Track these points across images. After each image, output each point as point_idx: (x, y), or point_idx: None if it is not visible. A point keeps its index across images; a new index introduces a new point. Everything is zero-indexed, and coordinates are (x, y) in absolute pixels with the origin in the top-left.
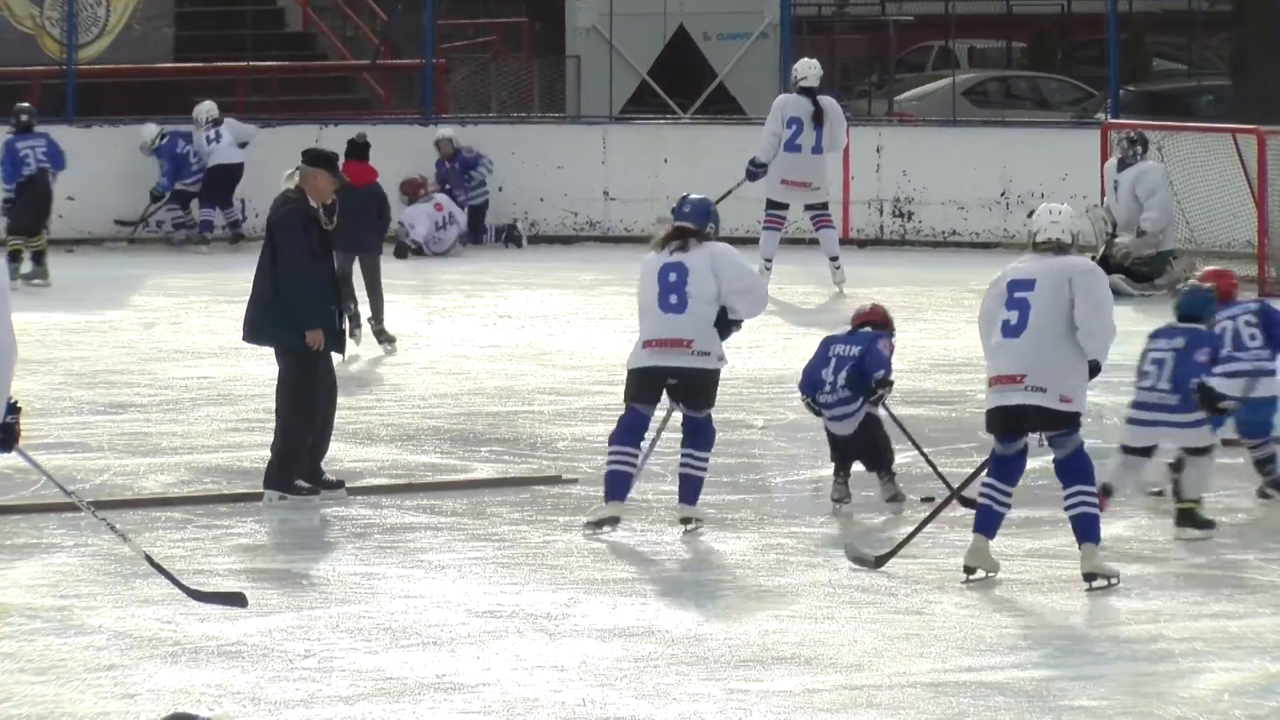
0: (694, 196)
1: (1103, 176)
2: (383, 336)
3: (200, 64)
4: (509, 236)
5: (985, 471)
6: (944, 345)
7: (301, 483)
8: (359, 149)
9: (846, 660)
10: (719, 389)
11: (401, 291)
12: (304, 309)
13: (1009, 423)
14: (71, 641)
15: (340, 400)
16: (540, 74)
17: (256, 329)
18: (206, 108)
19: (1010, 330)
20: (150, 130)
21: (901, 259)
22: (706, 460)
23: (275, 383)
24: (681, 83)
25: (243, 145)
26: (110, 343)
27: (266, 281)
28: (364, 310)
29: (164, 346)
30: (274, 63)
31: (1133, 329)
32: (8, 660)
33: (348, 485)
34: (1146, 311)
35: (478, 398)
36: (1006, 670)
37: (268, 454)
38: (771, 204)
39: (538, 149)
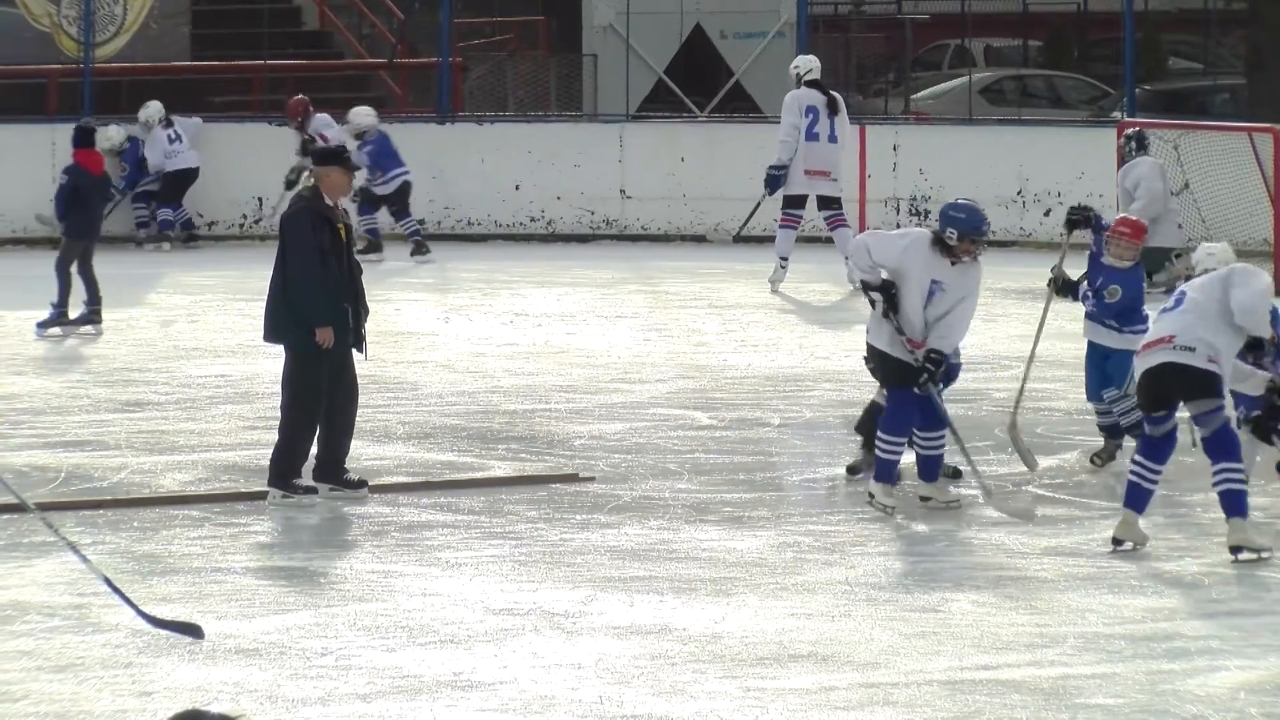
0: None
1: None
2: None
3: (217, 62)
4: (416, 248)
5: (1135, 450)
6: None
7: (299, 481)
8: (87, 135)
9: (863, 658)
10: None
11: (418, 290)
12: (311, 307)
13: (1156, 389)
14: (89, 639)
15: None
16: (557, 72)
17: (269, 327)
18: (156, 108)
19: (1165, 310)
20: (118, 133)
21: None
22: (937, 437)
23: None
24: (698, 81)
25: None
26: (128, 340)
27: (278, 280)
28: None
29: (181, 344)
30: (291, 61)
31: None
32: (25, 658)
33: (368, 483)
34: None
35: (495, 396)
36: (1023, 668)
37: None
38: (790, 201)
39: (555, 147)
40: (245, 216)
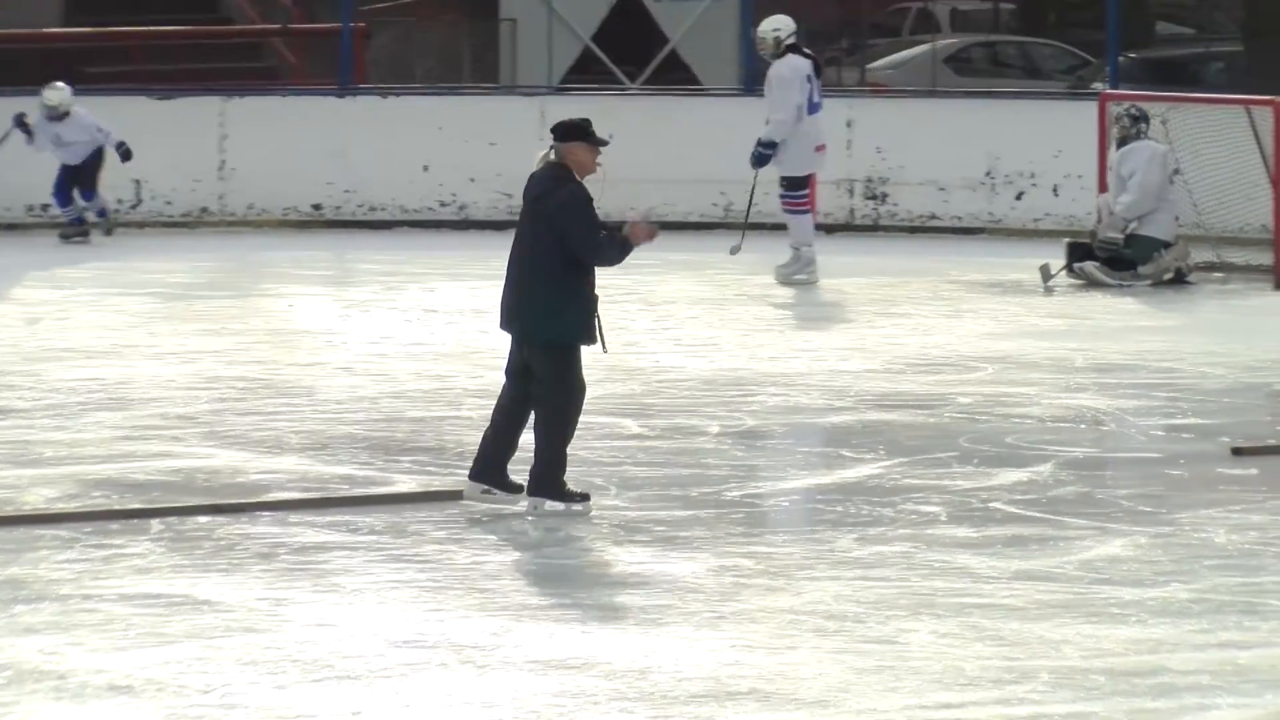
0: None
1: (1101, 154)
2: None
3: (93, 29)
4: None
5: None
6: (921, 343)
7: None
8: None
9: (810, 695)
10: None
11: (314, 283)
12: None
13: None
14: None
15: (244, 405)
16: (471, 39)
17: (540, 323)
18: (62, 97)
19: None
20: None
21: (874, 246)
22: None
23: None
24: (630, 49)
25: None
26: None
27: (553, 270)
28: None
29: (50, 345)
30: (175, 27)
31: (1132, 324)
32: None
33: (251, 500)
34: (1147, 302)
35: (399, 401)
36: (989, 706)
37: (164, 465)
38: (796, 183)
39: (468, 123)
40: (121, 201)
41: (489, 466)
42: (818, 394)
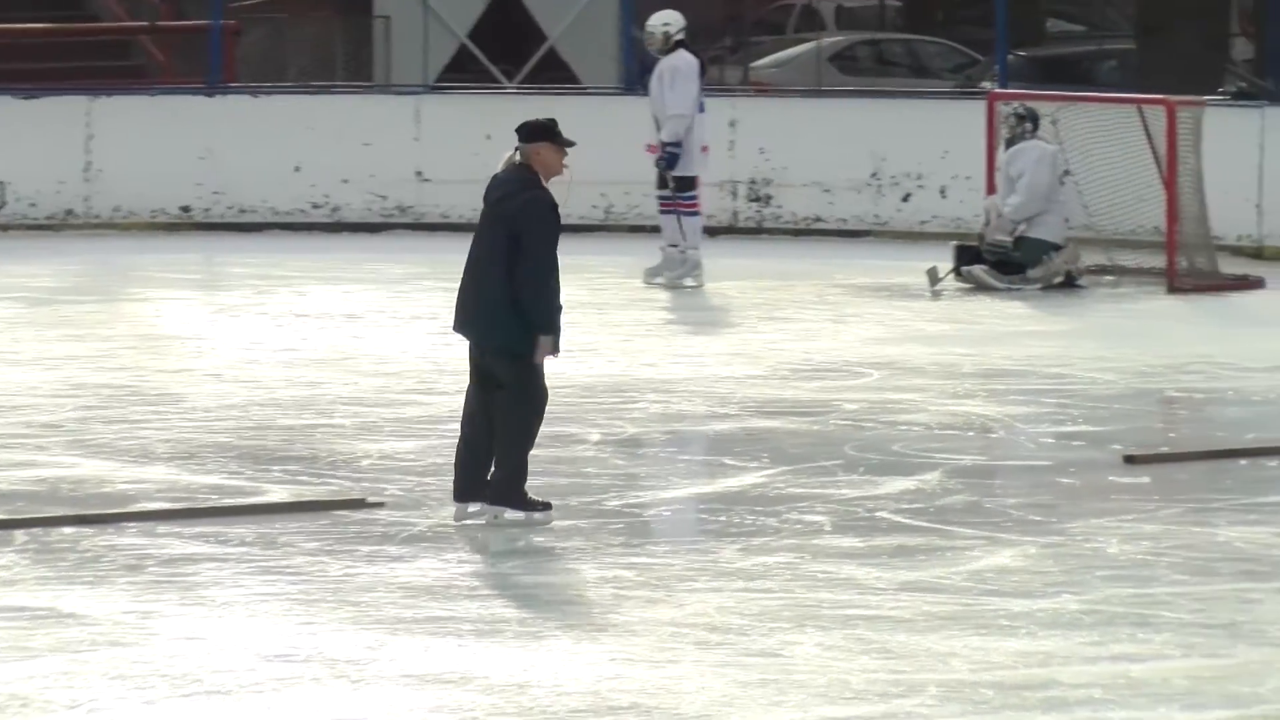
0: None
1: (990, 155)
2: None
3: None
4: None
5: None
6: (805, 348)
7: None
8: None
9: (693, 710)
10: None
11: (181, 287)
12: (553, 310)
13: None
14: None
15: (110, 413)
16: (344, 36)
17: (493, 330)
18: None
19: None
20: None
21: (758, 249)
22: None
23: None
24: (507, 47)
25: None
26: None
27: (498, 274)
28: None
29: None
30: (40, 25)
31: (1021, 329)
32: None
33: (117, 511)
34: (1037, 307)
35: (270, 409)
36: None
37: (28, 474)
38: (687, 184)
39: (341, 123)
40: None
41: (473, 484)
42: (700, 401)
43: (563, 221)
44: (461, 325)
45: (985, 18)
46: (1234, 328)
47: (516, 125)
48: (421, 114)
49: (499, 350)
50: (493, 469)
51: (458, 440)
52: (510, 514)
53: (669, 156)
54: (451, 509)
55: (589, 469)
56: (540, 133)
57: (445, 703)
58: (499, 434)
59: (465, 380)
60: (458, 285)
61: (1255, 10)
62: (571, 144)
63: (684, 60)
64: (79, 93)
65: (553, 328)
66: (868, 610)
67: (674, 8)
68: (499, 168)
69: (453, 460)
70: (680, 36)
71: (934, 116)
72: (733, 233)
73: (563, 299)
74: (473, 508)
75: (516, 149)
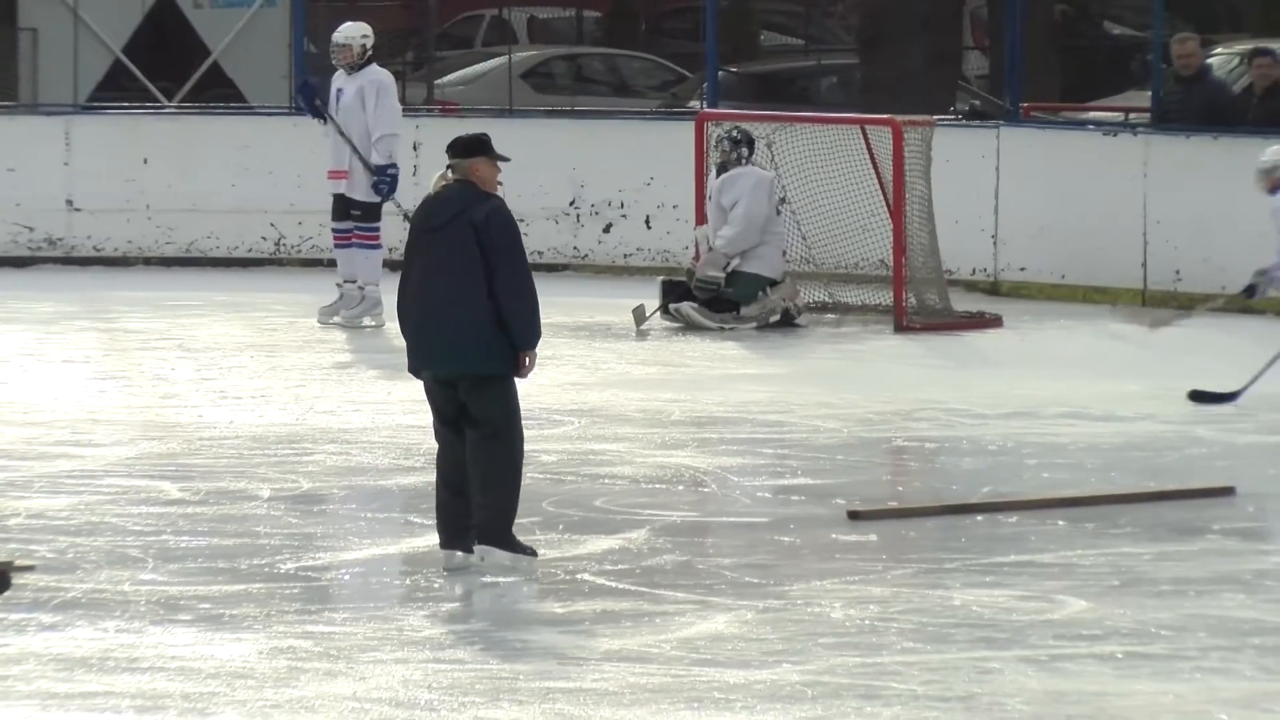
0: None
1: (699, 181)
2: None
3: None
4: None
5: None
6: None
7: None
8: None
9: None
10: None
11: None
12: (536, 325)
13: None
14: None
15: None
16: None
17: (474, 353)
18: None
19: None
20: None
21: None
22: None
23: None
24: (167, 62)
25: None
26: None
27: (473, 293)
28: None
29: None
30: None
31: (735, 372)
32: None
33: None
34: (752, 348)
35: None
36: None
37: None
38: (369, 213)
39: None
40: None
41: (459, 531)
42: (382, 452)
43: (227, 255)
44: (429, 360)
45: (693, 31)
46: (968, 370)
47: (447, 143)
48: (72, 135)
49: (480, 379)
50: (476, 509)
51: (436, 484)
52: (499, 555)
53: (392, 181)
54: (106, 572)
55: (260, 528)
56: (477, 147)
57: None
58: (486, 475)
59: (126, 432)
60: (110, 327)
61: (990, 22)
62: (506, 159)
63: (385, 75)
64: None
65: (538, 339)
66: (568, 683)
67: (351, 19)
68: (431, 189)
69: (107, 519)
70: (371, 51)
71: (637, 139)
72: None
73: (220, 339)
74: (459, 555)
75: (449, 166)
